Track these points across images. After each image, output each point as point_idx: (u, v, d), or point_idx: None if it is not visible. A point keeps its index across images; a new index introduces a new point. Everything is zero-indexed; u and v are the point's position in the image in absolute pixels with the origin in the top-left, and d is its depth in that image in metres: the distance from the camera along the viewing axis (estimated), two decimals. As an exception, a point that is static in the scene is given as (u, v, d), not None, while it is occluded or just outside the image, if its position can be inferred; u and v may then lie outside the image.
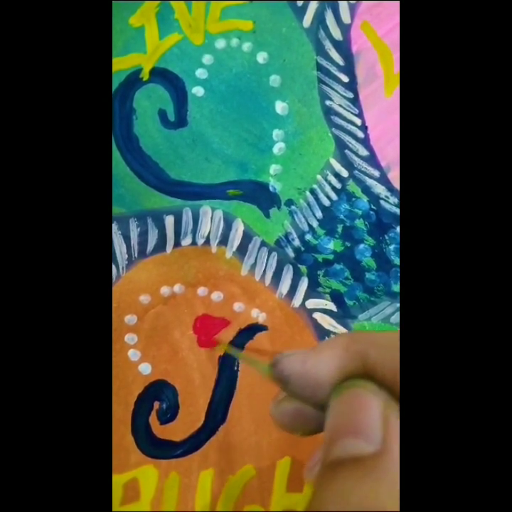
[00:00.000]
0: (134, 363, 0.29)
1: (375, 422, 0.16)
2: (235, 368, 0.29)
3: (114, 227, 0.30)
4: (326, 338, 0.29)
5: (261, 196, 0.31)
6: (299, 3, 0.33)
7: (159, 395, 0.29)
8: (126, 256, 0.30)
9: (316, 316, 0.30)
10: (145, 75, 0.32)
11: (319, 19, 0.33)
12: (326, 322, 0.30)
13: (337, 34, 0.33)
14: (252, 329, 0.29)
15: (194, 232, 0.30)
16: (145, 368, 0.29)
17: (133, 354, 0.29)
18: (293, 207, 0.31)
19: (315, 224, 0.31)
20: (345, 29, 0.33)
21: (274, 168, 0.31)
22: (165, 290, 0.29)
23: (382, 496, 0.15)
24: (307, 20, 0.33)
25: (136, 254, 0.30)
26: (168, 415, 0.29)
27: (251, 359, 0.28)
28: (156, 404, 0.29)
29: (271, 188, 0.31)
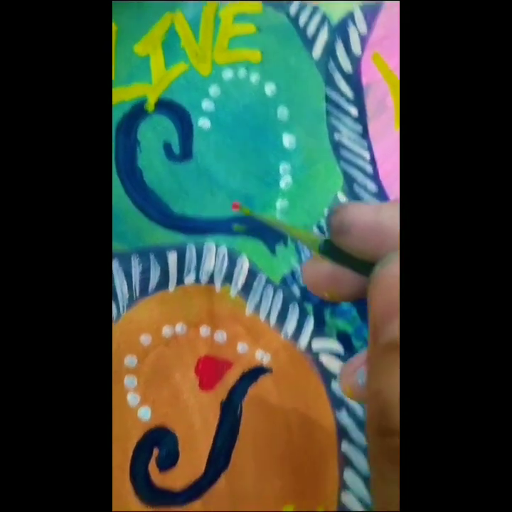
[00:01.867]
0: (133, 407, 0.28)
1: None
2: (238, 413, 0.28)
3: (116, 264, 0.29)
4: (333, 381, 0.28)
5: (267, 232, 0.30)
6: (309, 34, 0.32)
7: (159, 441, 0.28)
8: (128, 294, 0.29)
9: (322, 358, 0.29)
10: (150, 106, 0.31)
11: (329, 50, 0.32)
12: (333, 365, 0.28)
13: (347, 66, 0.32)
14: (256, 372, 0.28)
15: (198, 269, 0.29)
16: (144, 413, 0.28)
17: (132, 398, 0.28)
18: (299, 243, 0.30)
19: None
20: (355, 61, 0.32)
21: (280, 203, 0.31)
22: (167, 330, 0.28)
23: None
24: (317, 51, 0.32)
25: (137, 293, 0.29)
26: (168, 462, 0.27)
27: (281, 222, 0.25)
28: (156, 451, 0.28)
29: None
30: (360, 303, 0.29)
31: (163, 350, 0.28)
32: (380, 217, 0.17)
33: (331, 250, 0.19)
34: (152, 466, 0.27)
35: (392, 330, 0.15)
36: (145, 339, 0.28)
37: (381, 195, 0.31)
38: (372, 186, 0.31)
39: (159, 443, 0.28)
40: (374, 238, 0.17)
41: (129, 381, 0.28)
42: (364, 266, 0.18)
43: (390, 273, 0.16)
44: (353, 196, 0.31)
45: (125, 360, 0.28)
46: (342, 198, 0.31)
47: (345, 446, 0.28)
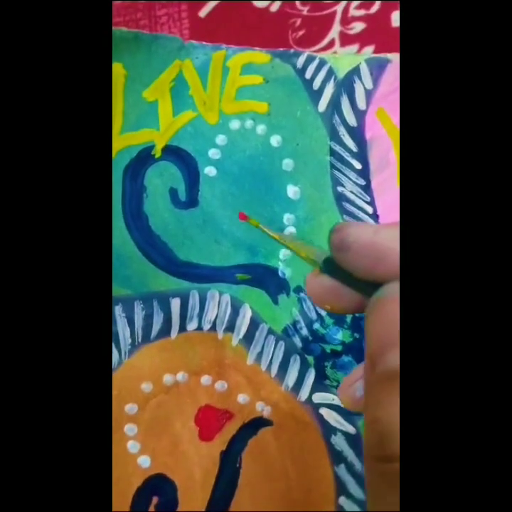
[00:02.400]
0: (133, 455, 0.28)
1: None
2: (237, 465, 0.28)
3: (119, 309, 0.29)
4: (332, 435, 0.28)
5: (270, 281, 0.31)
6: (315, 87, 0.33)
7: (158, 489, 0.27)
8: (130, 340, 0.29)
9: (323, 411, 0.29)
10: (157, 152, 0.31)
11: (335, 104, 0.33)
12: (333, 418, 0.29)
13: (352, 120, 0.33)
14: (256, 423, 0.28)
15: (200, 316, 0.30)
16: (144, 461, 0.28)
17: (132, 446, 0.28)
18: (302, 294, 0.31)
19: (324, 313, 0.30)
20: (360, 115, 0.33)
21: (283, 253, 0.31)
22: (168, 378, 0.29)
23: None
24: (322, 104, 0.33)
25: (139, 339, 0.29)
26: (167, 510, 0.27)
27: (288, 237, 0.25)
28: (155, 499, 0.27)
29: (280, 274, 0.31)
30: (361, 357, 0.30)
31: (164, 398, 0.28)
32: (377, 237, 0.18)
33: (332, 268, 0.20)
34: (151, 515, 0.27)
35: (390, 360, 0.16)
36: (146, 387, 0.28)
37: (382, 248, 0.31)
38: (373, 239, 0.31)
39: (159, 491, 0.28)
40: (371, 257, 0.18)
41: (130, 429, 0.28)
42: (363, 285, 0.19)
43: (388, 303, 0.17)
44: (355, 249, 0.31)
45: (126, 408, 0.28)
46: (344, 250, 0.31)
47: (343, 501, 0.28)
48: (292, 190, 0.32)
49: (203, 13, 0.34)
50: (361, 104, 0.33)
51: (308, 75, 0.33)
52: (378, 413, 0.15)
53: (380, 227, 0.18)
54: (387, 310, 0.16)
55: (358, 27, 0.35)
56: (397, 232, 0.18)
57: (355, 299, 0.19)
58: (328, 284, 0.19)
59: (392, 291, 0.17)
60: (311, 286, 0.20)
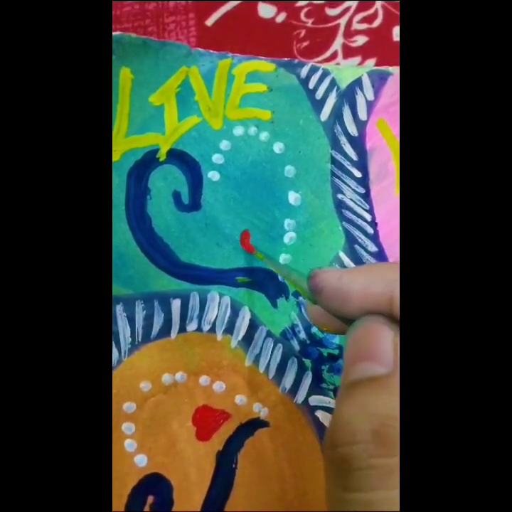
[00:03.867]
0: (130, 453, 0.28)
1: (388, 348, 0.19)
2: (233, 466, 0.28)
3: (120, 308, 0.29)
4: (328, 438, 0.29)
5: (269, 285, 0.31)
6: (318, 96, 0.34)
7: (154, 488, 0.28)
8: (130, 340, 0.29)
9: (319, 413, 0.29)
10: (162, 156, 0.32)
11: (336, 114, 0.34)
12: (329, 421, 0.29)
13: (353, 129, 0.33)
14: (253, 424, 0.29)
15: (200, 317, 0.30)
16: (141, 460, 0.28)
17: (129, 445, 0.28)
18: (301, 298, 0.31)
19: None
20: (361, 125, 0.34)
21: (283, 258, 0.32)
22: (166, 378, 0.29)
23: (394, 407, 0.17)
24: (325, 113, 0.33)
25: (139, 338, 0.29)
26: (163, 510, 0.27)
27: (287, 271, 0.27)
28: (150, 499, 0.28)
29: (280, 278, 0.31)
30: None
31: (162, 398, 0.29)
32: (340, 283, 0.21)
33: None
34: (146, 514, 0.27)
35: (349, 373, 0.19)
36: (145, 386, 0.29)
37: (381, 255, 0.32)
38: (372, 247, 0.32)
39: (154, 490, 0.28)
40: (337, 300, 0.21)
41: (127, 427, 0.28)
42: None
43: (355, 334, 0.20)
44: (354, 255, 0.32)
45: (124, 406, 0.28)
46: (343, 256, 0.32)
47: (338, 503, 0.28)
48: (293, 197, 0.32)
49: (209, 22, 0.35)
50: (362, 114, 0.34)
51: (311, 84, 0.34)
52: (336, 410, 0.19)
53: (343, 273, 0.21)
54: (363, 330, 0.20)
55: (361, 40, 0.35)
56: (358, 275, 0.21)
57: (342, 324, 0.22)
58: (322, 312, 0.23)
59: (358, 324, 0.20)
60: (311, 311, 0.24)
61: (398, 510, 0.17)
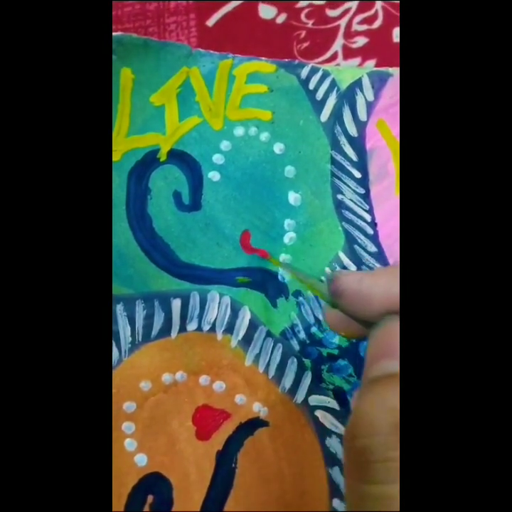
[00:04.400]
0: (130, 453, 0.28)
1: None
2: (233, 465, 0.28)
3: (120, 308, 0.29)
4: (327, 438, 0.29)
5: (269, 285, 0.31)
6: (318, 97, 0.34)
7: (154, 488, 0.28)
8: (130, 339, 0.29)
9: (318, 413, 0.29)
10: (162, 156, 0.32)
11: (336, 114, 0.34)
12: (328, 421, 0.29)
13: (353, 130, 0.34)
14: (253, 424, 0.29)
15: (200, 317, 0.30)
16: (141, 459, 0.28)
17: (129, 444, 0.28)
18: (300, 298, 0.31)
19: (321, 317, 0.31)
20: (361, 126, 0.34)
21: (283, 258, 0.32)
22: (166, 377, 0.29)
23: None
24: (325, 114, 0.34)
25: (140, 338, 0.29)
26: (162, 509, 0.28)
27: (304, 275, 0.28)
28: (150, 498, 0.28)
29: (280, 278, 0.31)
30: (356, 361, 0.30)
31: (162, 397, 0.29)
32: (361, 286, 0.21)
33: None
34: (145, 513, 0.27)
35: (373, 370, 0.20)
36: (145, 385, 0.29)
37: (380, 256, 0.32)
38: (372, 247, 0.32)
39: (154, 489, 0.28)
40: (358, 303, 0.21)
41: (127, 427, 0.28)
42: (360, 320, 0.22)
43: (377, 335, 0.21)
44: (354, 256, 0.32)
45: (124, 406, 0.28)
46: (343, 256, 0.32)
47: (337, 503, 0.28)
48: (293, 197, 0.32)
49: (210, 22, 0.35)
50: (362, 115, 0.34)
51: (311, 85, 0.34)
52: (356, 405, 0.19)
53: (364, 275, 0.21)
54: (384, 330, 0.21)
55: (361, 41, 0.36)
56: (379, 277, 0.21)
57: (361, 328, 0.22)
58: (341, 316, 0.23)
59: (380, 324, 0.21)
60: (329, 317, 0.24)
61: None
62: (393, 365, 0.19)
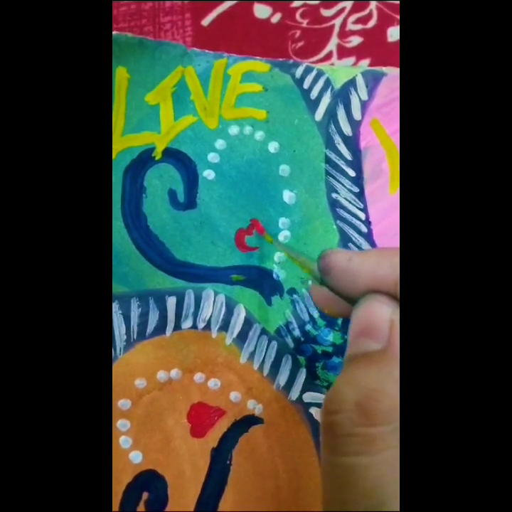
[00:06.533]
0: (125, 450, 0.28)
1: (383, 325, 0.20)
2: (228, 462, 0.28)
3: (115, 306, 0.29)
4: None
5: (264, 283, 0.31)
6: (313, 96, 0.34)
7: (149, 485, 0.28)
8: (125, 337, 0.29)
9: (313, 410, 0.29)
10: (157, 155, 0.32)
11: (331, 114, 0.34)
12: (322, 418, 0.29)
13: (347, 129, 0.34)
14: (248, 421, 0.29)
15: (195, 315, 0.30)
16: (136, 457, 0.28)
17: (124, 441, 0.28)
18: (295, 296, 0.31)
19: (316, 315, 0.31)
20: (355, 125, 0.34)
21: (278, 256, 0.32)
22: (161, 375, 0.29)
23: (384, 380, 0.19)
24: (319, 113, 0.34)
25: (135, 336, 0.29)
26: (157, 506, 0.28)
27: (296, 253, 0.28)
28: (145, 495, 0.28)
29: (274, 276, 0.31)
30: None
31: (157, 394, 0.29)
32: (350, 264, 0.22)
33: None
34: (141, 510, 0.27)
35: (351, 348, 0.20)
36: (140, 383, 0.29)
37: (374, 254, 0.32)
38: (366, 245, 0.32)
39: (149, 487, 0.28)
40: (345, 280, 0.22)
41: (122, 424, 0.28)
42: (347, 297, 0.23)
43: (358, 310, 0.21)
44: (348, 254, 0.32)
45: (119, 403, 0.28)
46: (337, 254, 0.32)
47: (331, 499, 0.28)
48: (288, 195, 0.32)
49: (205, 22, 0.35)
50: (356, 114, 0.34)
51: (306, 84, 0.34)
52: (336, 381, 0.20)
53: (353, 254, 0.22)
54: (363, 309, 0.21)
55: (355, 41, 0.36)
56: (368, 257, 0.22)
57: (346, 306, 0.22)
58: (326, 294, 0.23)
59: (360, 302, 0.21)
60: (315, 294, 0.25)
61: (379, 474, 0.18)
62: (368, 343, 0.20)
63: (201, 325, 0.30)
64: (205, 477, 0.28)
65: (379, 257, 0.21)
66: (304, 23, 0.35)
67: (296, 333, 0.31)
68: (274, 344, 0.30)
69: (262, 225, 0.31)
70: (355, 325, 0.21)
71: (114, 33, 0.32)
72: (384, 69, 0.34)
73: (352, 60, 0.36)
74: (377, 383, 0.19)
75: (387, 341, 0.20)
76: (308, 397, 0.30)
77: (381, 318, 0.20)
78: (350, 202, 0.33)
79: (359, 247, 0.32)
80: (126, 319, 0.29)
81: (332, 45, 0.36)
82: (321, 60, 0.36)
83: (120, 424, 0.28)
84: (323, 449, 0.20)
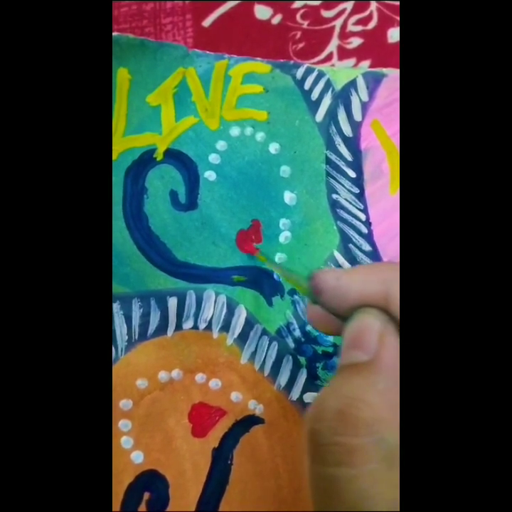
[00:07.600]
0: (126, 450, 0.28)
1: (372, 337, 0.20)
2: (229, 462, 0.28)
3: (117, 306, 0.30)
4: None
5: (265, 283, 0.31)
6: (313, 97, 0.34)
7: (150, 485, 0.28)
8: (127, 337, 0.29)
9: (313, 410, 0.30)
10: (159, 155, 0.32)
11: (331, 115, 0.34)
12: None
13: (347, 130, 0.34)
14: (248, 421, 0.29)
15: (196, 315, 0.30)
16: (137, 457, 0.28)
17: (126, 441, 0.28)
18: (296, 296, 0.31)
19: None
20: (355, 126, 0.34)
21: (279, 257, 0.32)
22: (163, 375, 0.29)
23: (367, 391, 0.19)
24: (320, 114, 0.34)
25: (136, 336, 0.30)
26: (158, 506, 0.28)
27: (288, 272, 0.28)
28: (146, 495, 0.28)
29: (275, 276, 0.31)
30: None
31: (159, 395, 0.29)
32: (339, 283, 0.22)
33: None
34: (142, 510, 0.28)
35: (341, 359, 0.21)
36: (141, 383, 0.29)
37: (375, 254, 0.32)
38: (366, 246, 0.32)
39: (150, 487, 0.28)
40: (336, 299, 0.22)
41: (124, 424, 0.28)
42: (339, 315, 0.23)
43: (350, 327, 0.21)
44: (349, 254, 0.32)
45: (120, 404, 0.29)
46: (338, 255, 0.32)
47: (332, 499, 0.28)
48: (289, 196, 0.33)
49: (206, 23, 0.35)
50: (357, 115, 0.34)
51: (307, 86, 0.34)
52: (321, 390, 0.20)
53: (342, 273, 0.22)
54: (354, 322, 0.21)
55: (356, 42, 0.36)
56: (356, 275, 0.22)
57: (339, 324, 0.23)
58: (320, 312, 0.23)
59: (353, 317, 0.22)
60: (309, 312, 0.25)
61: (361, 487, 0.18)
62: (356, 355, 0.20)
63: (202, 325, 0.30)
64: (206, 477, 0.28)
65: (366, 274, 0.22)
66: (305, 24, 0.35)
67: (297, 333, 0.31)
68: (275, 344, 0.30)
69: (254, 246, 0.31)
70: (346, 337, 0.21)
71: (115, 34, 0.32)
72: (384, 70, 0.34)
73: (352, 61, 0.36)
74: (360, 393, 0.19)
75: (374, 353, 0.20)
76: (309, 397, 0.30)
77: (370, 330, 0.20)
78: (350, 203, 0.33)
79: (359, 248, 0.32)
80: (128, 320, 0.30)
81: (332, 46, 0.36)
82: (322, 62, 0.36)
83: (121, 424, 0.28)
84: (306, 458, 0.19)
